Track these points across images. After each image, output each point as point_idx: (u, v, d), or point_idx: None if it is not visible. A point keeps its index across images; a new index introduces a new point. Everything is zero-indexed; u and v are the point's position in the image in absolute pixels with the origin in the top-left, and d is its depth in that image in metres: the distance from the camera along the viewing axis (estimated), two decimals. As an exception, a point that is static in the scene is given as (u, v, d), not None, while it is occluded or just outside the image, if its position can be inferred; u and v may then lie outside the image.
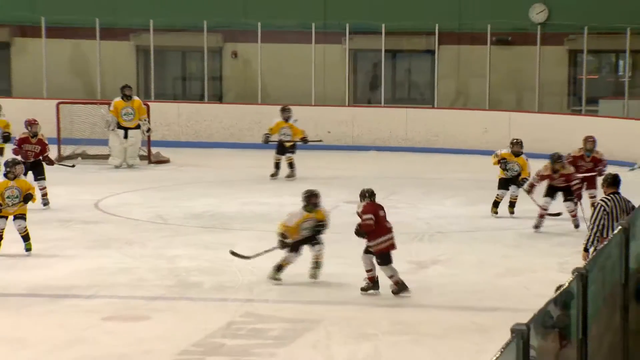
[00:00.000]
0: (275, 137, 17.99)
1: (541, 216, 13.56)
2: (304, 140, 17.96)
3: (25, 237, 11.85)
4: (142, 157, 20.01)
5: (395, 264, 10.78)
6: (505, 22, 22.83)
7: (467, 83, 23.71)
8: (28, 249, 11.86)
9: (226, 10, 23.71)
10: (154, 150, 20.39)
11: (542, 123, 21.30)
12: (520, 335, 4.22)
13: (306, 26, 22.97)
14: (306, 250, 10.80)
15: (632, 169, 13.19)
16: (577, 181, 13.55)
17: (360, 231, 10.28)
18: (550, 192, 13.63)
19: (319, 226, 10.73)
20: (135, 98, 19.85)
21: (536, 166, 13.96)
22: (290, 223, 10.66)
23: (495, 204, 14.56)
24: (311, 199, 10.71)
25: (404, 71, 25.07)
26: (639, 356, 6.98)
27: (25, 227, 11.83)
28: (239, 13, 23.68)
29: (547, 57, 22.84)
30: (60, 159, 19.07)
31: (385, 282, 10.40)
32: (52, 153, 18.39)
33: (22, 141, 14.98)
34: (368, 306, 10.09)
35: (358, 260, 10.39)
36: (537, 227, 13.56)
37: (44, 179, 14.93)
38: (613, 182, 9.73)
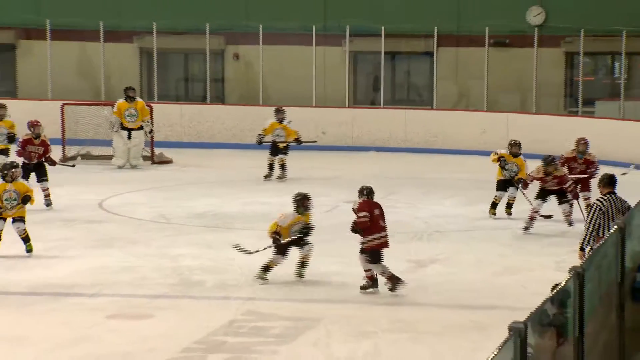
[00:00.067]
0: (268, 138, 17.95)
1: (531, 218, 13.47)
2: (298, 141, 17.90)
3: (25, 239, 11.77)
4: (145, 158, 20.02)
5: (395, 262, 10.78)
6: (503, 24, 22.82)
7: (465, 85, 23.71)
8: (29, 250, 11.79)
9: (228, 13, 23.71)
10: (157, 150, 20.39)
11: (539, 124, 21.30)
12: (518, 333, 4.22)
13: (307, 29, 22.97)
14: (294, 251, 10.80)
15: (623, 174, 13.17)
16: (570, 182, 13.52)
17: (356, 228, 10.29)
18: (542, 195, 13.55)
19: (307, 229, 10.73)
20: (139, 100, 19.85)
21: (534, 167, 13.94)
22: (283, 224, 10.66)
23: (494, 205, 14.53)
24: (304, 202, 10.72)
25: (403, 73, 25.07)
26: (634, 354, 6.98)
27: (24, 229, 11.74)
28: (240, 16, 23.68)
29: (544, 59, 22.83)
30: (65, 159, 19.06)
31: (383, 281, 10.39)
32: (57, 154, 18.50)
33: (26, 143, 14.96)
34: (367, 305, 10.09)
35: (357, 260, 10.38)
36: (526, 228, 13.45)
37: (46, 180, 14.91)
38: (609, 182, 9.73)
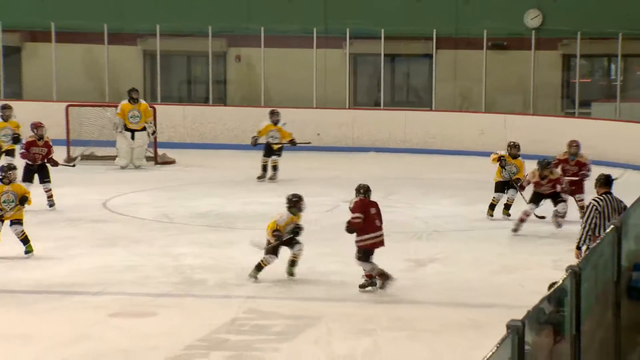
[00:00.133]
0: (263, 140, 17.91)
1: (521, 220, 13.34)
2: (292, 142, 17.84)
3: (24, 240, 11.68)
4: (148, 158, 20.02)
5: (394, 262, 10.78)
6: (501, 27, 22.81)
7: (464, 86, 23.70)
8: (28, 252, 11.68)
9: (230, 15, 23.72)
10: (160, 151, 20.40)
11: (536, 125, 21.29)
12: (516, 331, 4.21)
13: (308, 31, 22.97)
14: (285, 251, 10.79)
15: (616, 179, 13.16)
16: (563, 184, 13.50)
17: (350, 228, 10.27)
18: (536, 199, 13.45)
19: (298, 229, 10.72)
20: (142, 101, 19.85)
21: (531, 167, 13.91)
22: (281, 223, 10.65)
23: (492, 207, 14.47)
24: (298, 204, 10.72)
25: (403, 75, 25.06)
26: (630, 351, 6.97)
27: (22, 230, 11.67)
28: (242, 19, 23.68)
29: (541, 61, 22.82)
30: (69, 160, 19.05)
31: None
32: (62, 154, 18.52)
33: (30, 144, 14.91)
34: (367, 303, 10.08)
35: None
36: (515, 230, 13.33)
37: (49, 181, 14.87)
38: (605, 182, 9.73)
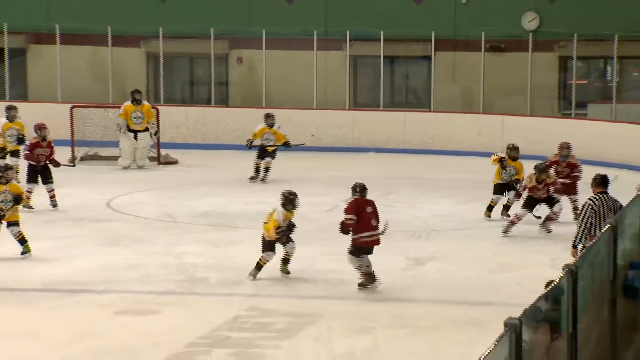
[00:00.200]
0: (257, 142, 17.89)
1: (512, 223, 13.25)
2: (287, 144, 17.81)
3: (22, 241, 11.63)
4: (151, 159, 20.02)
5: (393, 260, 10.78)
6: (499, 29, 22.79)
7: (462, 88, 23.68)
8: (25, 252, 11.62)
9: (232, 18, 23.70)
10: (163, 151, 20.39)
11: (533, 126, 21.28)
12: (513, 329, 4.20)
13: (308, 33, 22.96)
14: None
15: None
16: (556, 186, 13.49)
17: (343, 229, 10.26)
18: (530, 204, 13.33)
19: (292, 226, 10.70)
20: (145, 102, 19.85)
21: (529, 168, 13.89)
22: (280, 221, 10.62)
23: (490, 208, 14.42)
24: (294, 201, 10.70)
25: (402, 76, 25.03)
26: (625, 348, 6.97)
27: (19, 231, 11.63)
28: (244, 21, 23.66)
29: (538, 63, 22.80)
30: (74, 160, 19.05)
31: (382, 278, 10.39)
32: (66, 155, 18.53)
33: (34, 146, 14.86)
34: (367, 301, 10.08)
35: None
36: (505, 232, 13.22)
37: (52, 182, 14.83)
38: (602, 182, 9.73)
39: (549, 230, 13.33)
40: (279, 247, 10.73)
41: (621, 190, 10.88)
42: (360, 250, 10.22)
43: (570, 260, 7.51)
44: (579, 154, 15.06)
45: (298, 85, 23.30)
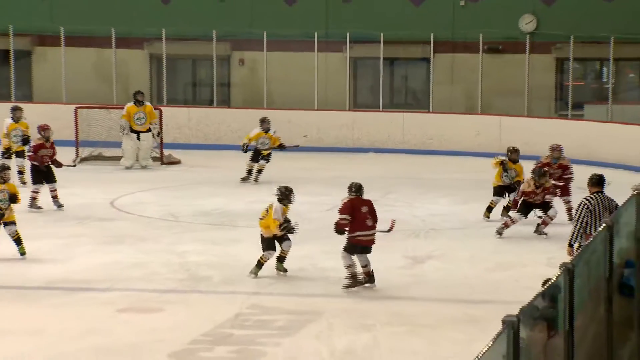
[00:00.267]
0: (252, 145, 17.87)
1: (506, 225, 13.20)
2: (282, 146, 17.80)
3: (17, 241, 11.55)
4: (154, 159, 20.01)
5: (393, 259, 10.77)
6: (496, 31, 22.79)
7: (460, 89, 23.68)
8: (22, 253, 11.55)
9: (234, 20, 23.69)
10: (166, 152, 20.38)
11: (530, 127, 21.26)
12: (511, 326, 4.20)
13: (309, 35, 22.96)
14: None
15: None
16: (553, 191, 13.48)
17: (337, 229, 10.24)
18: (525, 209, 13.26)
19: (288, 221, 10.67)
20: (147, 103, 19.85)
21: (528, 169, 13.87)
22: (279, 218, 10.60)
23: (489, 209, 14.36)
24: (290, 196, 10.70)
25: (401, 78, 25.03)
26: (621, 346, 6.97)
27: (16, 230, 11.56)
28: (246, 23, 23.66)
29: (535, 64, 22.80)
30: (75, 160, 19.03)
31: (381, 277, 10.39)
32: (70, 155, 18.52)
33: (38, 147, 14.82)
34: (366, 299, 10.08)
35: (354, 258, 10.35)
36: (499, 233, 13.17)
37: (55, 182, 14.81)
38: (598, 182, 9.73)
39: (544, 234, 13.25)
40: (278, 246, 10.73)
41: (617, 190, 10.87)
42: (355, 248, 10.19)
43: (567, 258, 7.50)
44: (576, 154, 15.07)
45: (299, 86, 23.29)
